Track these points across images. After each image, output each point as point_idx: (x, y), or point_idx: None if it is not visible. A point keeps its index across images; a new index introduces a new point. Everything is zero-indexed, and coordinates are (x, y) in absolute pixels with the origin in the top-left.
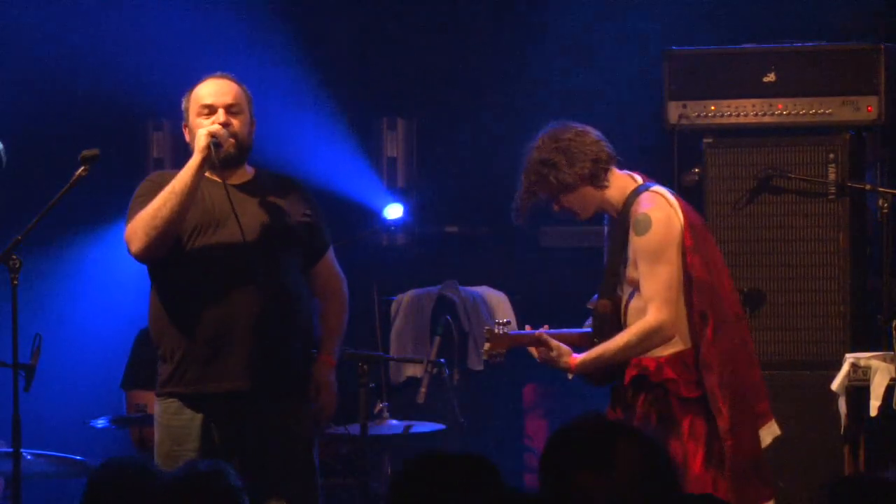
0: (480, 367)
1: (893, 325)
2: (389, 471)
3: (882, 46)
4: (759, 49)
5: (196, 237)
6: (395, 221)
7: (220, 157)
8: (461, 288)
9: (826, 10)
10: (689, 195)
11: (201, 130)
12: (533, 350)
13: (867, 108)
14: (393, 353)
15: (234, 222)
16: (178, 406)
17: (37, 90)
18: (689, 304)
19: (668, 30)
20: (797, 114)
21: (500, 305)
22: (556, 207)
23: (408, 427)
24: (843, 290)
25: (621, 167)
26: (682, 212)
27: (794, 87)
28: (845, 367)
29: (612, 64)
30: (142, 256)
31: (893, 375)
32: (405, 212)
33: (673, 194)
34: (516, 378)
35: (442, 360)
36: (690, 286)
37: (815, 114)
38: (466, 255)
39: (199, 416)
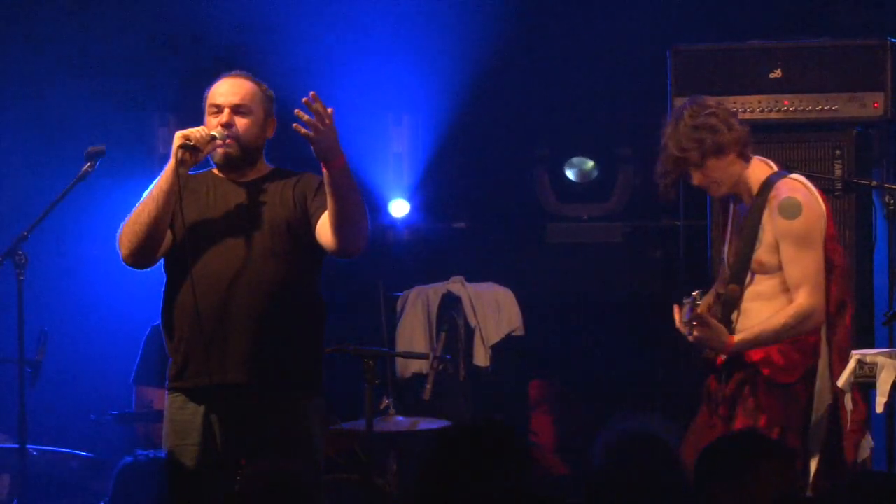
0: (486, 364)
1: None
2: (395, 467)
3: (888, 42)
4: (765, 45)
5: (194, 234)
6: (402, 217)
7: (221, 159)
8: (467, 284)
9: (832, 6)
10: (695, 192)
11: (177, 133)
12: (683, 327)
13: (873, 105)
14: (399, 349)
15: (232, 219)
16: (183, 400)
17: (43, 84)
18: (826, 292)
19: (673, 26)
20: (803, 110)
21: (505, 301)
22: (696, 179)
23: (413, 423)
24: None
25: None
26: (824, 200)
27: (801, 84)
28: (851, 364)
29: (617, 60)
30: (130, 262)
31: None
32: (411, 208)
33: (812, 182)
34: (522, 374)
35: (448, 356)
36: (831, 274)
37: (822, 110)
38: (472, 251)
39: (201, 411)
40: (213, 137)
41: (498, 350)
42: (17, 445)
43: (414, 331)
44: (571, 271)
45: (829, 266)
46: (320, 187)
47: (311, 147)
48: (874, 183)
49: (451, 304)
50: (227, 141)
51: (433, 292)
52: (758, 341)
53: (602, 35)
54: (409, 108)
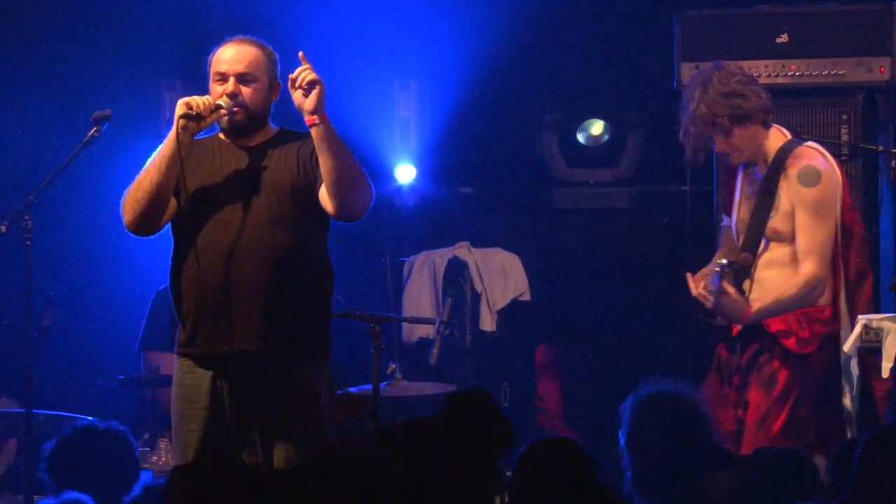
0: (492, 329)
1: None
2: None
3: (895, 7)
4: (772, 10)
5: (198, 202)
6: (408, 182)
7: (227, 126)
8: (473, 249)
9: None
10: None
11: (179, 101)
12: (707, 295)
13: (880, 69)
14: (405, 314)
15: (236, 186)
16: (191, 365)
17: (49, 49)
18: (845, 261)
19: None
20: (810, 75)
21: (512, 267)
22: (719, 146)
23: (420, 388)
24: None
25: None
26: (840, 169)
27: (807, 48)
28: (857, 329)
29: (625, 26)
30: (133, 230)
31: None
32: (418, 173)
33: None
34: (528, 339)
35: (454, 321)
36: (850, 244)
37: (828, 75)
38: (479, 217)
39: (208, 376)
40: (219, 106)
41: (504, 315)
42: (23, 410)
43: (420, 296)
44: (578, 236)
45: (848, 236)
46: None
47: (297, 101)
48: (881, 148)
49: (457, 269)
50: (235, 110)
51: (439, 257)
52: (773, 311)
53: (610, 1)
54: (416, 74)
